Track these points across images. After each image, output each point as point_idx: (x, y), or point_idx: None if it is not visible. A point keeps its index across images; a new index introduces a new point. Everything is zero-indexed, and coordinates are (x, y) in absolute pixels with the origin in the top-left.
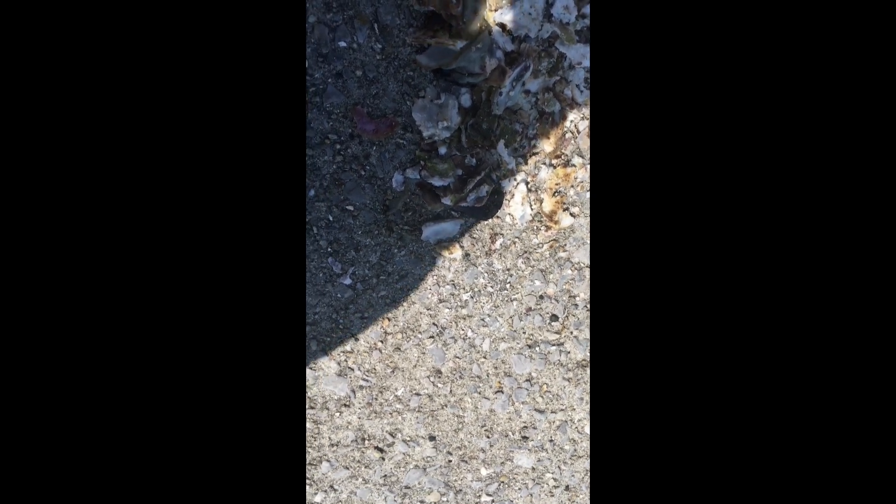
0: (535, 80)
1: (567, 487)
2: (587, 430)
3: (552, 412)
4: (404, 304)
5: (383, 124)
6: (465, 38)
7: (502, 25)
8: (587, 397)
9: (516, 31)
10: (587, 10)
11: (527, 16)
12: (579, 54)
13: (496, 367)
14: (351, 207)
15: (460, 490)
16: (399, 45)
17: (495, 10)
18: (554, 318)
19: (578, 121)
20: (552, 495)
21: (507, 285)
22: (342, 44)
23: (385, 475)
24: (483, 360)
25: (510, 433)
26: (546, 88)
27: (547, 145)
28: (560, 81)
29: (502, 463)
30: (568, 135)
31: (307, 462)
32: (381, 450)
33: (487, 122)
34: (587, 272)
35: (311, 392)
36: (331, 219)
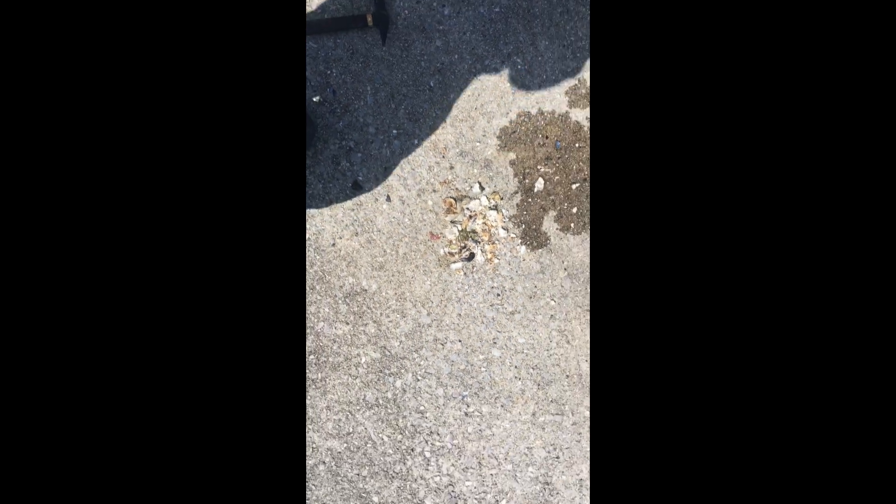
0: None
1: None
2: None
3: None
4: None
5: (433, 236)
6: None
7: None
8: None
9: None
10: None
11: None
12: (495, 218)
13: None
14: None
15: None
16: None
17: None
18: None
19: (498, 231)
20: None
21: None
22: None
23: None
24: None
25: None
26: (483, 229)
27: (487, 241)
28: (487, 227)
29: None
30: (495, 236)
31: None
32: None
33: (466, 234)
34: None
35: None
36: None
